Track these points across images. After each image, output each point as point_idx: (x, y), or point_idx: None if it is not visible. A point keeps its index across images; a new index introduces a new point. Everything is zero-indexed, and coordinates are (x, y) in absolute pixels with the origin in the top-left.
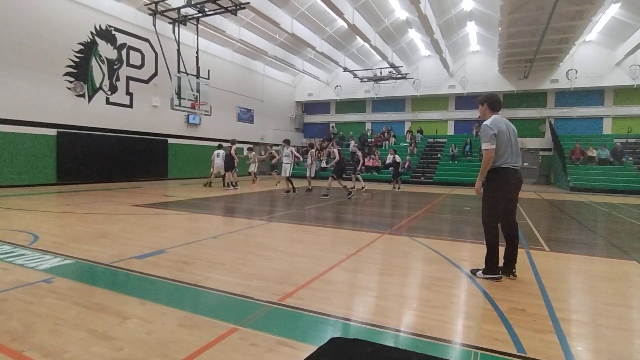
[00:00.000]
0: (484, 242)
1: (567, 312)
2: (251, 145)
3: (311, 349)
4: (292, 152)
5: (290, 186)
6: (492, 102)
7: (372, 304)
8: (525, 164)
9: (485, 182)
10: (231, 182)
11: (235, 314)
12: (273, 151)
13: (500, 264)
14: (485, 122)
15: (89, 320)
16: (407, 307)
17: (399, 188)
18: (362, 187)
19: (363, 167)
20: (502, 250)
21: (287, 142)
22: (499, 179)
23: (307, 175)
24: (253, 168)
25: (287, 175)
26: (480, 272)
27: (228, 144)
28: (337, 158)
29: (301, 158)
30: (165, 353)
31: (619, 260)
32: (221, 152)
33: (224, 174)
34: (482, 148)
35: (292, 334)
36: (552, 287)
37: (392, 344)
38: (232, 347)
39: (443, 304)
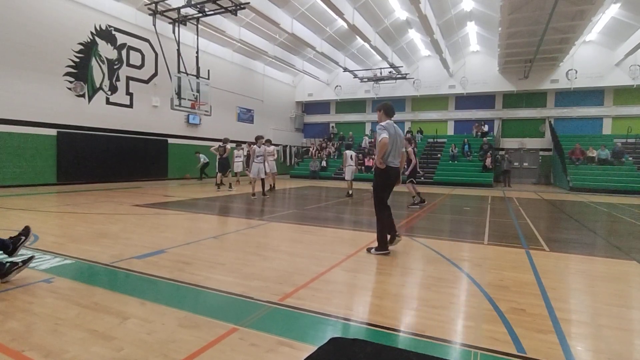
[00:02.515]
0: (377, 227)
1: (567, 312)
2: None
3: (311, 349)
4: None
5: (254, 188)
6: (387, 109)
7: (372, 304)
8: (525, 164)
9: (374, 177)
10: (219, 184)
11: (235, 314)
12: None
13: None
14: (379, 124)
15: (89, 320)
16: (407, 307)
17: None
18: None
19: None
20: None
21: (260, 137)
22: (383, 174)
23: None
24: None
25: (263, 176)
26: (373, 249)
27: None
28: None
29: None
30: (165, 353)
31: (619, 260)
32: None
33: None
34: (379, 139)
35: (292, 334)
36: (552, 287)
37: (392, 344)
38: (232, 347)
39: (443, 304)
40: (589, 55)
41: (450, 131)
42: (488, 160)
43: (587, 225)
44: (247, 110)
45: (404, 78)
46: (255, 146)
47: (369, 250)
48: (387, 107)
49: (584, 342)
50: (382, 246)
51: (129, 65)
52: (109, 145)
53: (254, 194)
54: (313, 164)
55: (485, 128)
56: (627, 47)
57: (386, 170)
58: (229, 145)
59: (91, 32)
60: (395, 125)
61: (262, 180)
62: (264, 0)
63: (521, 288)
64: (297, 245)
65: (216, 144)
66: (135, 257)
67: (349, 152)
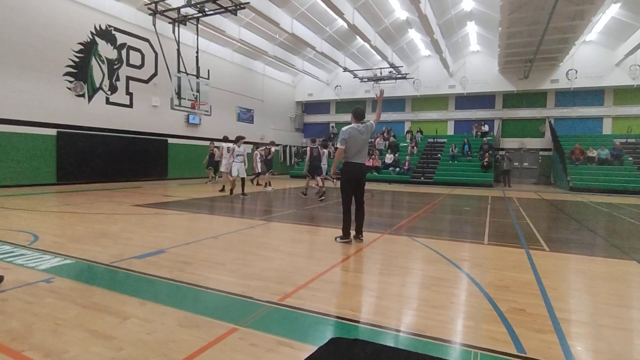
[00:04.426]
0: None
1: (567, 312)
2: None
3: (311, 349)
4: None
5: (243, 188)
6: (355, 113)
7: (372, 304)
8: (525, 164)
9: (340, 172)
10: (266, 183)
11: (235, 314)
12: (214, 147)
13: (353, 233)
14: (342, 129)
15: (89, 320)
16: (407, 307)
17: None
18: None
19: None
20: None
21: (241, 138)
22: (346, 170)
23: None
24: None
25: (243, 176)
26: (338, 238)
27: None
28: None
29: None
30: (165, 353)
31: (619, 260)
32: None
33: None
34: (336, 146)
35: (292, 334)
36: (552, 287)
37: (392, 344)
38: (232, 347)
39: (443, 304)
40: (589, 55)
41: (450, 131)
42: (487, 160)
43: (587, 225)
44: (247, 110)
45: (404, 78)
46: (235, 145)
47: (335, 238)
48: (356, 111)
49: (584, 342)
50: (344, 235)
51: (128, 65)
52: (109, 145)
53: (244, 193)
54: None
55: (485, 128)
56: (627, 47)
57: (347, 167)
58: (273, 148)
59: (91, 32)
60: (358, 127)
61: (243, 179)
62: (264, 0)
63: (521, 288)
64: (297, 245)
65: (262, 148)
66: (135, 257)
67: None
